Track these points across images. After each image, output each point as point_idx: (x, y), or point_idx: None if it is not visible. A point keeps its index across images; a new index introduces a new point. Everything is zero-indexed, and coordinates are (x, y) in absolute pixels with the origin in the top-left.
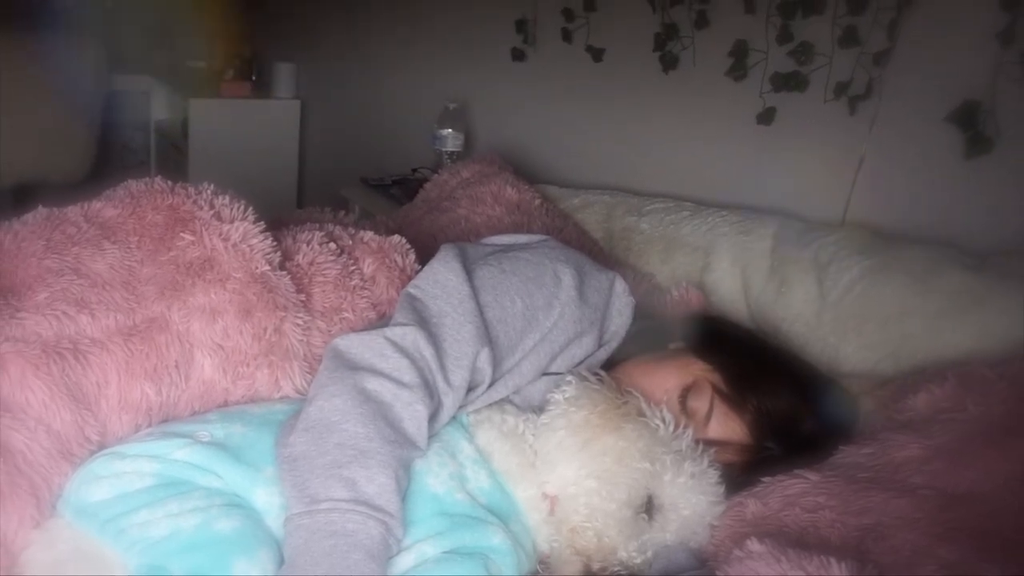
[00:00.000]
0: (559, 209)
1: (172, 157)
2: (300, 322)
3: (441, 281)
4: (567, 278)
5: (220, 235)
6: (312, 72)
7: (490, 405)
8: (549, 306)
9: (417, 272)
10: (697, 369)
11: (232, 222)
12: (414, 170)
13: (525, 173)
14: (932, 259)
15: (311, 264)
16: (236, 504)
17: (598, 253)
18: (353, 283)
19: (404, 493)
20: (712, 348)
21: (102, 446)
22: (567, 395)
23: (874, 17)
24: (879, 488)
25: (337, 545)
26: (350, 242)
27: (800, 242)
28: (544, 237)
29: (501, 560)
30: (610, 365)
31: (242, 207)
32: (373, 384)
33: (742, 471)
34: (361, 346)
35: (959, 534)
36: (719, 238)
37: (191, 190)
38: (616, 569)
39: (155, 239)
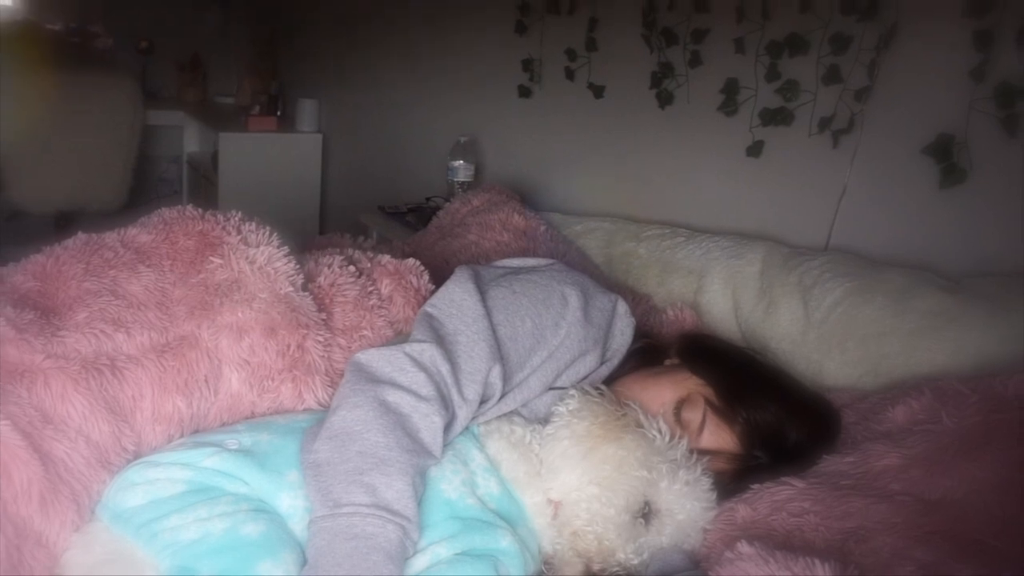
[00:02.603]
0: (563, 235)
1: (203, 187)
2: (322, 339)
3: (457, 301)
4: (574, 300)
5: (247, 259)
6: (333, 108)
7: (499, 417)
8: (556, 326)
9: (431, 292)
10: (691, 384)
11: (258, 247)
12: (428, 199)
13: (531, 202)
14: (910, 282)
15: (332, 285)
16: (261, 509)
17: (599, 276)
18: (371, 303)
19: (420, 498)
20: (705, 364)
21: (137, 455)
22: (571, 407)
23: (855, 57)
24: (860, 494)
25: (358, 547)
26: (368, 265)
27: (786, 266)
28: (552, 261)
29: (509, 561)
30: (611, 380)
31: (267, 233)
32: (393, 396)
33: (733, 478)
34: (382, 361)
35: (934, 537)
36: (711, 262)
37: (220, 217)
38: (615, 570)
39: (186, 263)
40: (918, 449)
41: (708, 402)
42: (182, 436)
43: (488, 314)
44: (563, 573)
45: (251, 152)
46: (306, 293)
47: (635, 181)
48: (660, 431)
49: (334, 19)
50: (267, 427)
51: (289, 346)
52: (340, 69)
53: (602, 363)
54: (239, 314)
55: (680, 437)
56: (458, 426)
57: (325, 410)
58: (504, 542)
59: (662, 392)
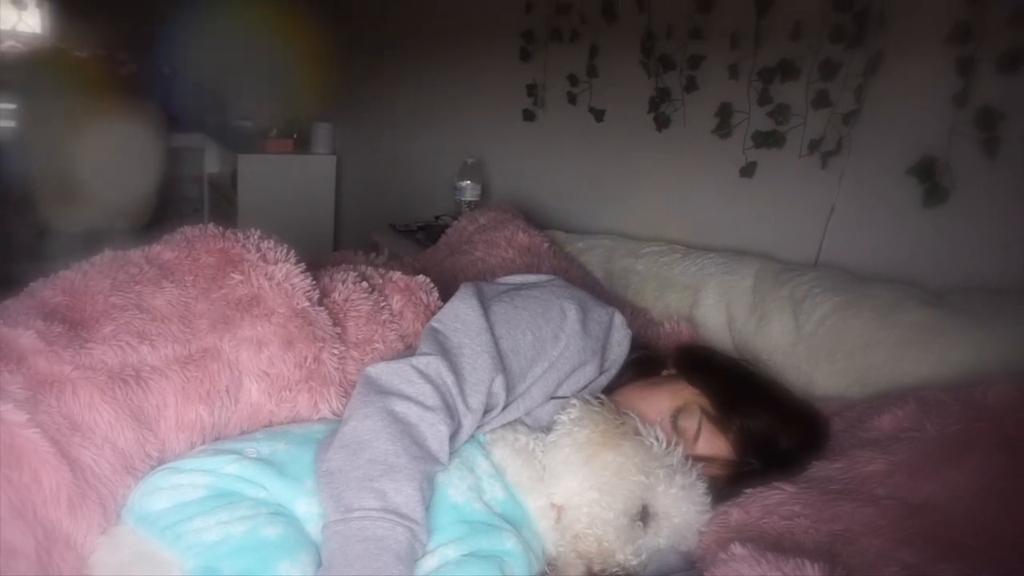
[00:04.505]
0: (565, 252)
1: (223, 206)
2: (336, 352)
3: (461, 316)
4: (572, 313)
5: (265, 275)
6: (347, 131)
7: (504, 425)
8: (556, 338)
9: (440, 308)
10: (687, 393)
11: (276, 263)
12: (437, 217)
13: (535, 220)
14: (895, 296)
15: (346, 300)
16: (280, 513)
17: (599, 291)
18: (383, 317)
19: (428, 503)
20: (700, 375)
21: (161, 461)
22: (572, 416)
23: (843, 82)
24: (848, 498)
25: (369, 549)
26: (380, 281)
27: (778, 281)
28: (552, 276)
29: (514, 562)
30: (610, 389)
31: (285, 250)
32: (401, 407)
33: (726, 484)
34: (390, 373)
35: (918, 539)
36: (706, 278)
37: (240, 235)
38: (615, 570)
39: (208, 278)
40: (903, 455)
41: (704, 411)
42: (204, 443)
43: (491, 328)
44: (566, 573)
45: (269, 173)
46: (322, 308)
47: (634, 200)
48: (657, 438)
49: (347, 47)
50: (284, 436)
51: (306, 358)
52: (353, 94)
53: (601, 373)
54: (259, 328)
55: (676, 444)
56: (464, 434)
57: (339, 420)
58: (509, 544)
59: (660, 401)
